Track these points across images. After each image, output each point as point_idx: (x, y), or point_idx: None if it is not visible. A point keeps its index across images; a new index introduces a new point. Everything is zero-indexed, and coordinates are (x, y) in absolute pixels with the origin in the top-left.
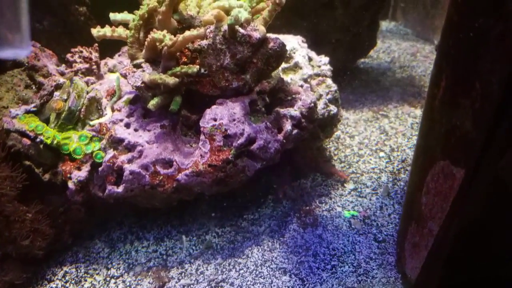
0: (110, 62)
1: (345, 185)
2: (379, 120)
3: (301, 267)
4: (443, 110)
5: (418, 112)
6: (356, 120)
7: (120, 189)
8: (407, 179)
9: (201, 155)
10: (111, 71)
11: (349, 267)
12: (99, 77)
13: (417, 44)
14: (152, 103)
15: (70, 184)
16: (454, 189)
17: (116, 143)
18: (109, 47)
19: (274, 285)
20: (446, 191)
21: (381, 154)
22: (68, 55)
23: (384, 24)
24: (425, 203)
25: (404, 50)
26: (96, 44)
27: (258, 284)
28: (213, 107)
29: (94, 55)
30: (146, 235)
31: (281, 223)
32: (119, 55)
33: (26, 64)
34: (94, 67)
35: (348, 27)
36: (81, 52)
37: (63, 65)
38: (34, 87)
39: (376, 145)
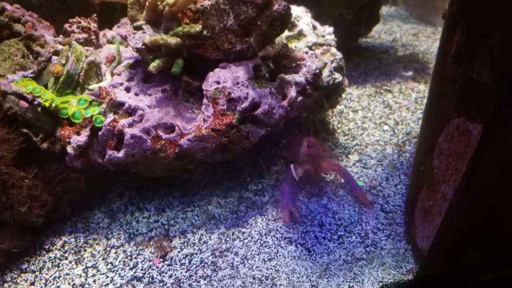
0: (109, 33)
1: (349, 156)
2: (383, 95)
3: (307, 237)
4: (457, 65)
5: (422, 87)
6: (359, 95)
7: (120, 154)
8: (412, 151)
9: (204, 119)
10: (110, 42)
11: (356, 238)
12: (98, 47)
13: (419, 26)
14: (153, 65)
15: (69, 149)
16: (470, 147)
17: (116, 107)
18: (108, 20)
19: (280, 255)
20: (462, 150)
21: (385, 127)
22: (66, 25)
23: (385, 9)
24: (437, 166)
25: (406, 31)
26: (95, 14)
27: (264, 253)
28: (216, 70)
29: (93, 25)
30: (147, 206)
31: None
32: (118, 27)
33: (23, 34)
34: (93, 37)
35: (351, 2)
36: (79, 22)
37: (61, 36)
38: (31, 57)
39: (380, 118)
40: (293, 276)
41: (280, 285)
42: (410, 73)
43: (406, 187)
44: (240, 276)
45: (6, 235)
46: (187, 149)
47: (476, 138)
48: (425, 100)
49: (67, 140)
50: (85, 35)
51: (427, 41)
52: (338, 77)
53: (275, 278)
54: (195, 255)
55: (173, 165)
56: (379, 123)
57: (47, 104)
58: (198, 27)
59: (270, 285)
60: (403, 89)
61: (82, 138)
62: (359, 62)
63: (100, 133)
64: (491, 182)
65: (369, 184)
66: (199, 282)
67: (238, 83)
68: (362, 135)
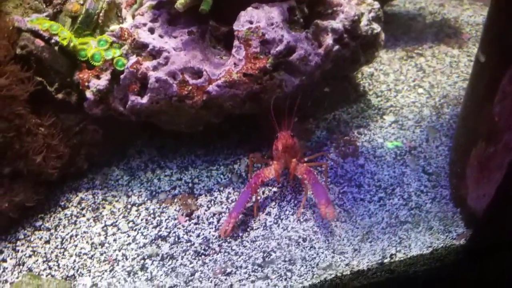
0: None
1: (384, 117)
2: (415, 59)
3: (345, 198)
4: None
5: (456, 52)
6: (389, 58)
7: (144, 100)
8: (452, 113)
9: (234, 63)
10: None
11: (398, 200)
12: None
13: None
14: (180, 1)
15: (88, 94)
16: None
17: (140, 48)
18: None
19: (316, 216)
20: None
21: (420, 90)
22: None
23: None
24: (499, 112)
25: (431, 1)
26: None
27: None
28: (249, 9)
29: None
30: (168, 164)
31: (317, 152)
32: None
33: None
34: None
35: None
36: None
37: None
38: (45, 6)
39: (413, 81)
40: (333, 239)
41: (319, 248)
42: (442, 38)
43: (449, 148)
44: (274, 237)
45: (19, 187)
46: (216, 96)
47: None
48: (460, 64)
49: (86, 84)
50: None
51: (455, 9)
52: (376, 27)
53: (313, 240)
54: (223, 214)
55: (199, 116)
56: (413, 85)
57: (65, 42)
58: None
59: (308, 247)
60: (436, 53)
61: (102, 82)
62: (386, 28)
63: (122, 76)
64: None
65: (409, 145)
66: (230, 242)
67: (272, 24)
68: (396, 97)
